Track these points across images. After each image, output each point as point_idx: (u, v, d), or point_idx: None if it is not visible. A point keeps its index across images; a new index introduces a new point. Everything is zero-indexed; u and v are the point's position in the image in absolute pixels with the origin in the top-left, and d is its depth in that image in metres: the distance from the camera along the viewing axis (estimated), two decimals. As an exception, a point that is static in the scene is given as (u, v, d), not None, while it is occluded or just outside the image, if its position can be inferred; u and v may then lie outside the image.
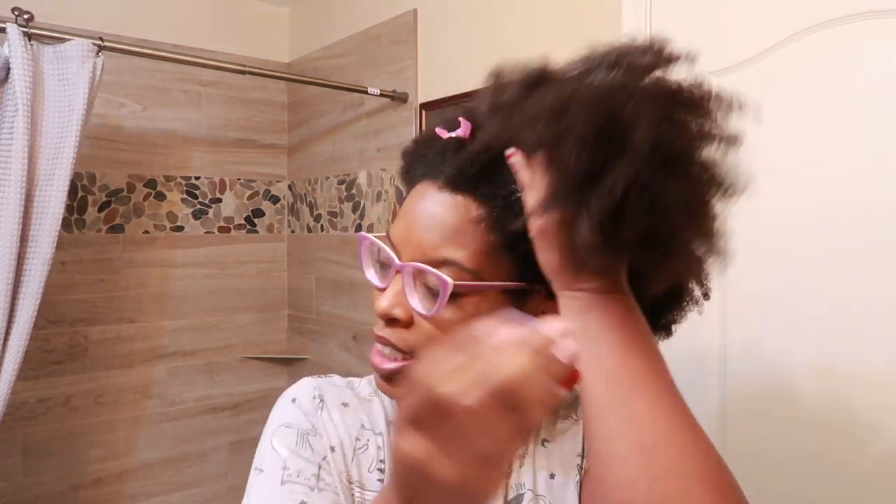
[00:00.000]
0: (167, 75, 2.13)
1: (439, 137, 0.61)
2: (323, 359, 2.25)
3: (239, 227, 2.33)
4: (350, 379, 0.71)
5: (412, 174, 0.64)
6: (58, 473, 1.99)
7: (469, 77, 1.64)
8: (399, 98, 1.85)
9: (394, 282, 0.58)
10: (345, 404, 0.66)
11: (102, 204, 2.05)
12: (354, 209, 2.07)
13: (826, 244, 1.02)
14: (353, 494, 0.61)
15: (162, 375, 2.17)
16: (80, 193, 2.01)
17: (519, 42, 1.52)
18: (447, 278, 0.54)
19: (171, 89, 2.15)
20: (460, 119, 0.61)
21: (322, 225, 2.23)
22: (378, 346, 0.61)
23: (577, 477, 0.65)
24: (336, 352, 2.18)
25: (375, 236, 0.62)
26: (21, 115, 1.36)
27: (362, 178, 2.04)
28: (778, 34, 1.07)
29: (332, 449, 0.62)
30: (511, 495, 0.63)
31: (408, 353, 0.59)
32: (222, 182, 2.29)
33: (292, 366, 2.41)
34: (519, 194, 0.53)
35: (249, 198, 2.35)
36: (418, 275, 0.57)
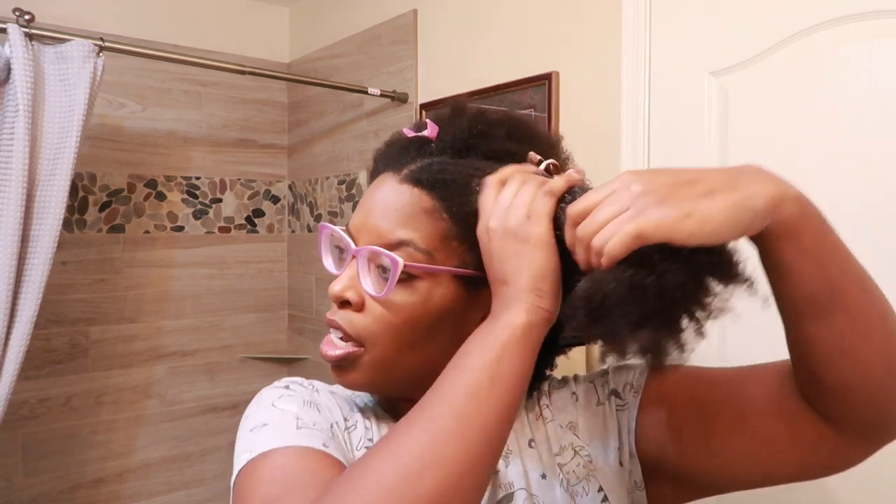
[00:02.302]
0: (167, 75, 2.13)
1: (405, 136, 0.64)
2: (323, 359, 2.25)
3: (239, 227, 2.33)
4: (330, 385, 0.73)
5: (376, 169, 0.66)
6: (58, 473, 1.99)
7: (469, 77, 1.64)
8: (399, 98, 1.85)
9: (349, 266, 0.60)
10: (332, 392, 0.68)
11: (103, 204, 2.05)
12: (354, 209, 2.07)
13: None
14: None
15: (162, 375, 2.17)
16: (81, 193, 2.01)
17: (519, 42, 1.52)
18: (398, 258, 0.56)
19: (171, 89, 2.15)
20: (427, 120, 0.64)
21: (322, 225, 2.23)
22: (330, 334, 0.62)
23: (560, 475, 0.66)
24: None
25: (336, 227, 0.64)
26: (22, 115, 1.36)
27: (362, 178, 2.04)
28: (778, 34, 1.08)
29: (336, 423, 0.63)
30: (501, 494, 0.64)
31: (356, 340, 0.60)
32: (222, 182, 2.29)
33: (292, 366, 2.41)
34: (476, 189, 0.57)
35: (250, 198, 2.35)
36: (373, 258, 0.59)
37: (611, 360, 0.52)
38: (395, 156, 0.63)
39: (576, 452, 0.67)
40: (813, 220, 0.49)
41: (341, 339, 0.61)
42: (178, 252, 2.19)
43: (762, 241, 0.49)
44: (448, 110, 0.66)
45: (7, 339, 1.39)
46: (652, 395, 0.67)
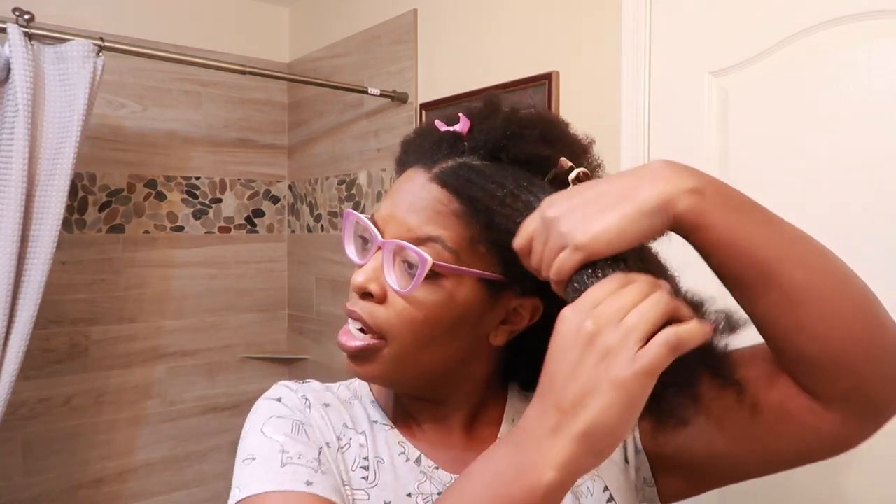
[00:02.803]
0: (167, 75, 2.13)
1: (437, 129, 0.62)
2: (323, 359, 2.26)
3: (239, 227, 2.33)
4: (328, 384, 0.72)
5: (405, 160, 0.65)
6: (58, 473, 1.99)
7: (469, 77, 1.64)
8: (399, 98, 1.85)
9: (374, 258, 0.59)
10: (326, 405, 0.66)
11: (103, 204, 2.05)
12: (355, 209, 2.07)
13: (825, 244, 1.02)
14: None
15: (162, 375, 2.17)
16: (81, 193, 2.01)
17: (519, 43, 1.52)
18: (426, 256, 0.55)
19: (171, 89, 2.15)
20: (460, 115, 0.62)
21: (322, 225, 2.24)
22: (348, 324, 0.61)
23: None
24: (336, 352, 2.17)
25: (362, 215, 0.63)
26: (22, 115, 1.36)
27: (362, 179, 2.04)
28: (778, 34, 1.08)
29: (328, 444, 0.62)
30: None
31: (376, 332, 0.59)
32: (222, 182, 2.29)
33: (292, 366, 2.41)
34: (507, 203, 0.55)
35: (250, 198, 2.35)
36: (399, 252, 0.58)
37: None
38: (427, 149, 0.62)
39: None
40: (718, 210, 0.49)
41: (361, 330, 0.60)
42: (178, 252, 2.19)
43: (681, 233, 0.50)
44: (481, 105, 0.64)
45: (7, 338, 1.39)
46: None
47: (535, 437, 0.46)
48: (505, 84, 1.51)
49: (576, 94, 1.40)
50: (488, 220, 0.55)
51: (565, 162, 0.57)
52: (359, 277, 0.59)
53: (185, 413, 2.22)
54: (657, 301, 0.46)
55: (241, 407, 2.31)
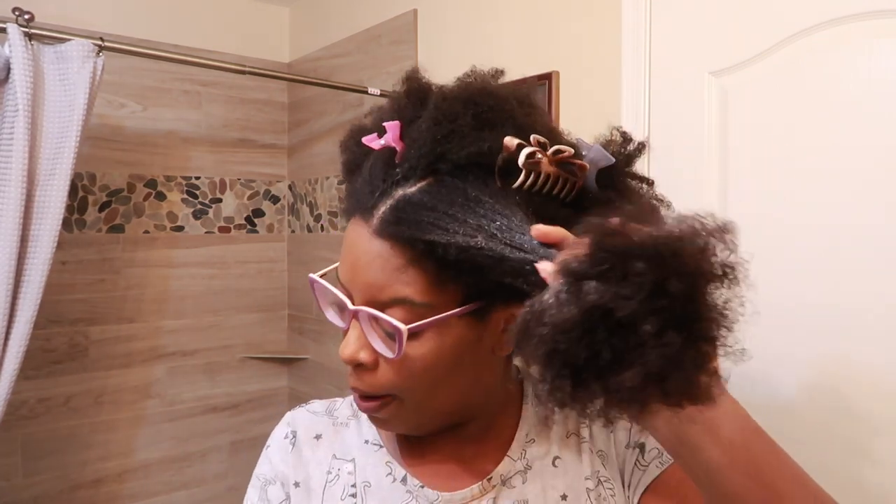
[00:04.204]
0: (167, 75, 2.13)
1: (368, 150, 0.56)
2: (323, 359, 2.26)
3: (239, 227, 2.33)
4: (332, 401, 0.72)
5: (347, 205, 0.59)
6: (58, 473, 1.99)
7: (469, 77, 1.63)
8: (399, 98, 1.85)
9: (353, 326, 0.57)
10: (317, 437, 0.68)
11: (103, 204, 2.05)
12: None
13: (825, 244, 1.02)
14: None
15: (162, 375, 2.17)
16: (81, 193, 2.01)
17: (518, 43, 1.52)
18: (400, 325, 0.52)
19: (171, 89, 2.15)
20: (387, 126, 0.55)
21: (322, 225, 2.24)
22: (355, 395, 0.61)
23: (587, 500, 0.63)
24: (336, 352, 2.18)
25: (324, 274, 0.60)
26: (21, 115, 1.36)
27: (362, 178, 2.03)
28: (778, 34, 1.07)
29: (297, 485, 0.65)
30: None
31: (383, 396, 0.58)
32: (222, 182, 2.29)
33: (292, 366, 2.41)
34: (458, 232, 0.48)
35: (250, 198, 2.35)
36: (373, 319, 0.55)
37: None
38: (361, 191, 0.56)
39: (601, 482, 0.64)
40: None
41: (368, 397, 0.59)
42: (177, 252, 2.19)
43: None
44: (405, 93, 0.57)
45: (7, 338, 1.39)
46: (673, 479, 0.62)
47: None
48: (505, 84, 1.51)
49: (576, 94, 1.40)
50: (443, 258, 0.49)
51: (510, 142, 0.50)
52: (346, 350, 0.56)
53: (184, 413, 2.21)
54: None
55: (240, 407, 2.31)
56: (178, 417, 2.20)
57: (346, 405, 0.71)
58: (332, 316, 0.61)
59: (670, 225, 0.37)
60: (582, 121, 1.38)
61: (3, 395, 1.39)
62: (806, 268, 1.04)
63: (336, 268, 0.59)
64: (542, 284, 0.41)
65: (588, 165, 0.53)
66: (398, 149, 0.54)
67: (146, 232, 2.13)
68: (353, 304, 0.55)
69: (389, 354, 0.54)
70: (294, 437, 0.68)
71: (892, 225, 0.95)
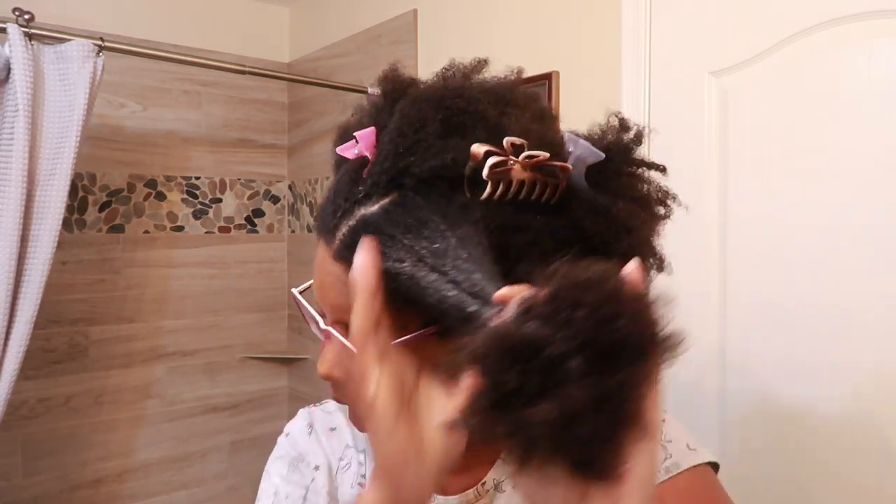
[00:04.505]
0: (167, 75, 2.13)
1: (341, 161, 0.54)
2: (323, 359, 2.26)
3: (239, 227, 2.33)
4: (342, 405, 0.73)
5: (315, 222, 0.57)
6: (58, 473, 1.99)
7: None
8: (399, 98, 1.85)
9: (327, 343, 0.55)
10: (332, 429, 0.70)
11: (103, 204, 2.05)
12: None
13: (825, 244, 1.02)
14: None
15: (162, 375, 2.17)
16: (81, 193, 2.01)
17: (518, 43, 1.52)
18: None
19: (171, 89, 2.15)
20: (356, 134, 0.51)
21: (322, 225, 2.24)
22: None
23: None
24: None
25: (304, 290, 0.58)
26: (22, 115, 1.36)
27: (362, 178, 2.04)
28: (778, 34, 1.08)
29: (317, 468, 0.66)
30: None
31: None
32: (222, 182, 2.29)
33: (292, 366, 2.41)
34: (408, 259, 0.44)
35: (250, 198, 2.35)
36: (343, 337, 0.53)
37: None
38: (324, 211, 0.53)
39: None
40: None
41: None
42: (177, 252, 2.19)
43: None
44: (381, 100, 0.54)
45: (7, 338, 1.39)
46: (678, 488, 0.61)
47: None
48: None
49: (576, 94, 1.40)
50: (396, 285, 0.45)
51: (477, 150, 0.45)
52: (320, 368, 0.55)
53: (184, 413, 2.21)
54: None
55: (240, 407, 2.31)
56: (178, 417, 2.20)
57: None
58: (314, 329, 0.59)
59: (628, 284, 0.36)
60: (582, 121, 1.38)
61: (3, 395, 1.40)
62: (806, 268, 1.04)
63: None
64: (472, 328, 0.39)
65: (571, 166, 0.49)
66: (370, 158, 0.50)
67: (146, 232, 2.13)
68: (326, 322, 0.54)
69: None
70: (311, 427, 0.70)
71: (892, 225, 0.95)
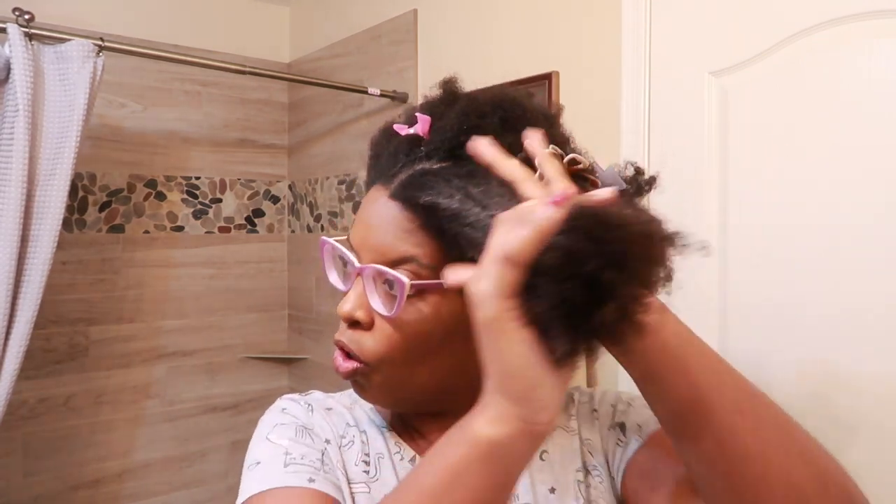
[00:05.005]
0: (167, 75, 2.13)
1: (396, 134, 0.60)
2: (323, 359, 2.26)
3: (239, 227, 2.33)
4: (330, 394, 0.73)
5: (369, 177, 0.63)
6: (58, 473, 1.99)
7: (469, 77, 1.63)
8: (399, 98, 1.85)
9: (355, 284, 0.59)
10: (329, 409, 0.68)
11: (103, 204, 2.05)
12: (355, 209, 2.07)
13: (826, 246, 1.02)
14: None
15: (162, 375, 2.17)
16: (81, 193, 2.01)
17: (518, 43, 1.52)
18: (403, 278, 0.54)
19: (171, 89, 2.15)
20: (417, 115, 0.59)
21: (322, 225, 2.24)
22: (336, 352, 0.61)
23: (577, 492, 0.64)
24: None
25: (336, 240, 0.62)
26: (22, 115, 1.36)
27: (362, 178, 2.04)
28: (778, 34, 1.07)
29: (327, 441, 0.64)
30: None
31: (363, 361, 0.59)
32: (222, 182, 2.29)
33: (292, 366, 2.41)
34: (468, 207, 0.50)
35: (250, 198, 2.35)
36: (378, 276, 0.57)
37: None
38: (385, 163, 0.60)
39: (589, 472, 0.66)
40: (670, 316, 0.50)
41: (348, 355, 0.60)
42: (177, 252, 2.19)
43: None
44: (440, 95, 0.62)
45: (7, 338, 1.39)
46: (650, 449, 0.64)
47: (476, 408, 0.45)
48: (505, 84, 1.51)
49: (576, 94, 1.40)
50: (454, 229, 0.51)
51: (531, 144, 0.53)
52: (345, 306, 0.58)
53: (184, 413, 2.22)
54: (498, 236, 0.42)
55: (241, 407, 2.31)
56: (178, 417, 2.20)
57: (345, 396, 0.72)
58: (334, 278, 0.63)
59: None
60: (582, 121, 1.38)
61: (3, 395, 1.40)
62: (806, 268, 1.04)
63: (345, 238, 0.62)
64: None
65: (600, 183, 0.54)
66: (425, 137, 0.58)
67: (146, 232, 2.13)
68: (360, 263, 0.58)
69: (386, 312, 0.56)
70: (310, 406, 0.68)
71: (892, 225, 0.95)
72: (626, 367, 0.50)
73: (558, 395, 0.44)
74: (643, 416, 0.67)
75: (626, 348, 0.47)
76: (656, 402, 0.51)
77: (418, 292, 0.56)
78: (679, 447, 0.52)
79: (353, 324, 0.59)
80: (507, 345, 0.42)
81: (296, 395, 0.70)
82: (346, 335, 0.60)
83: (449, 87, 0.62)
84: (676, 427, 0.51)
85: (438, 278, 0.54)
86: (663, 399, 0.50)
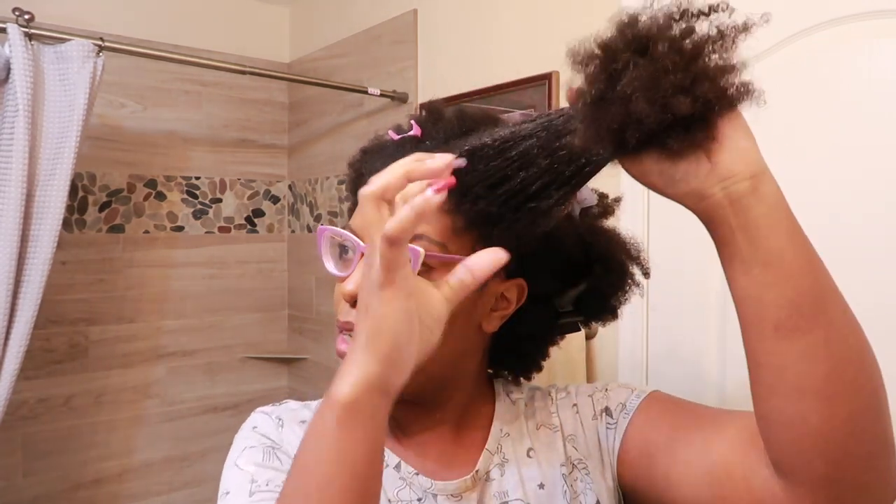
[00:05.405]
0: (167, 75, 2.13)
1: (389, 141, 0.64)
2: (323, 359, 2.26)
3: (239, 227, 2.33)
4: (306, 402, 0.73)
5: (360, 178, 0.65)
6: (58, 473, 1.99)
7: (469, 77, 1.64)
8: (399, 98, 1.85)
9: (358, 265, 0.59)
10: (302, 422, 0.68)
11: (103, 204, 2.05)
12: (352, 212, 2.07)
13: (825, 245, 1.01)
14: None
15: (162, 375, 2.17)
16: (81, 193, 2.01)
17: (519, 43, 1.52)
18: (419, 248, 0.54)
19: (171, 89, 2.15)
20: (412, 121, 0.64)
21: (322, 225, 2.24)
22: (342, 335, 0.61)
23: (563, 486, 0.66)
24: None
25: (337, 228, 0.63)
26: (22, 115, 1.36)
27: (362, 178, 2.04)
28: (778, 34, 1.07)
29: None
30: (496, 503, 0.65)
31: None
32: (222, 182, 2.29)
33: (292, 366, 2.41)
34: (479, 181, 0.53)
35: (250, 198, 2.35)
36: None
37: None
38: (389, 155, 0.61)
39: (574, 466, 0.68)
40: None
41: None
42: (177, 252, 2.19)
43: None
44: (426, 113, 0.66)
45: (7, 338, 1.39)
46: (640, 420, 0.66)
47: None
48: (505, 84, 1.51)
49: (576, 94, 1.40)
50: (460, 199, 0.53)
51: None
52: (348, 285, 0.58)
53: (184, 413, 2.22)
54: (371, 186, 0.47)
55: (241, 407, 2.31)
56: (178, 417, 2.20)
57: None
58: (331, 266, 0.63)
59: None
60: (582, 121, 1.38)
61: (3, 395, 1.40)
62: (806, 268, 1.04)
63: (344, 227, 0.62)
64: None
65: (578, 197, 0.60)
66: (420, 136, 0.63)
67: (146, 232, 2.13)
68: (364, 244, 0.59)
69: None
70: (280, 420, 0.68)
71: (892, 225, 0.95)
72: (745, 249, 0.51)
73: (416, 360, 0.47)
74: (622, 395, 0.69)
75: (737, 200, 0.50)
76: (772, 288, 0.50)
77: (426, 269, 0.56)
78: (777, 346, 0.50)
79: (356, 304, 0.59)
80: (390, 304, 0.44)
81: (268, 408, 0.70)
82: (351, 314, 0.59)
83: (432, 106, 0.68)
84: (790, 316, 0.49)
85: (447, 254, 0.57)
86: (782, 284, 0.50)
